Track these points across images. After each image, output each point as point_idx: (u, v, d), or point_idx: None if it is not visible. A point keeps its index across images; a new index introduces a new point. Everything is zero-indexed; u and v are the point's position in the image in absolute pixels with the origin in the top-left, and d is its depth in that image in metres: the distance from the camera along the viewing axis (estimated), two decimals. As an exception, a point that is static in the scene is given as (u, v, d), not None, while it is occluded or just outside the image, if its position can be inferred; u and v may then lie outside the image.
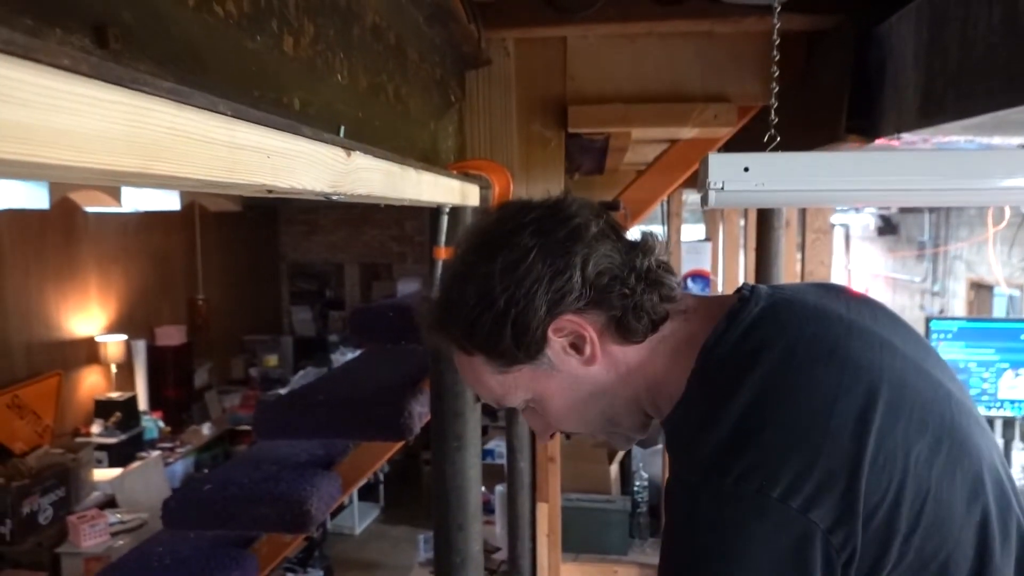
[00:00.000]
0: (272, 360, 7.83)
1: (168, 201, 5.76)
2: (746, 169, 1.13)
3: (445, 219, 1.63)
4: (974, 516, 0.67)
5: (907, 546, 0.64)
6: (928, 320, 3.88)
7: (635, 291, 0.76)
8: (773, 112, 1.37)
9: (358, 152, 0.85)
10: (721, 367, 0.72)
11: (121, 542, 4.52)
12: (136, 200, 5.50)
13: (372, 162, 0.90)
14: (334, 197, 0.82)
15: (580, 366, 0.78)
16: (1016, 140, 1.70)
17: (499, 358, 0.78)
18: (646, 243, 0.80)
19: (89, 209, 5.62)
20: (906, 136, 1.65)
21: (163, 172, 0.47)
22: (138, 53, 0.55)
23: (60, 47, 0.38)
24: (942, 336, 3.77)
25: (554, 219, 0.77)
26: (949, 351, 3.77)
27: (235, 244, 7.87)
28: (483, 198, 1.72)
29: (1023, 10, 1.16)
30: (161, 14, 0.58)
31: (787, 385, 0.68)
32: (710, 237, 6.34)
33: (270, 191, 0.72)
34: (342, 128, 0.89)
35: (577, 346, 0.77)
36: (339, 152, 0.79)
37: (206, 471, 5.76)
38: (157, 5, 0.57)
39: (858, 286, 10.26)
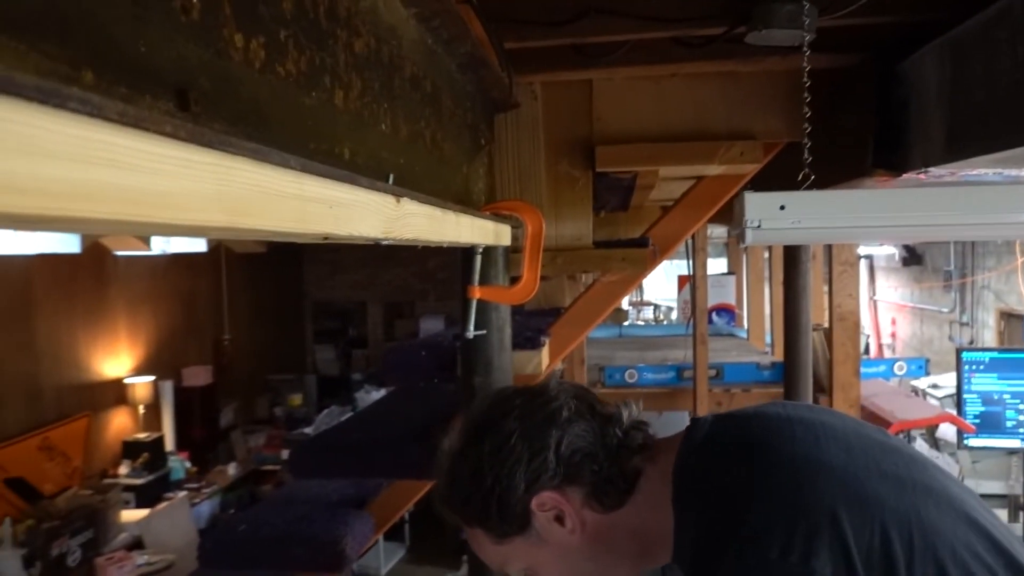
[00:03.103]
0: (296, 399, 7.85)
1: (195, 243, 5.85)
2: (782, 207, 1.15)
3: (478, 259, 1.66)
4: (961, 535, 0.73)
5: (911, 574, 0.70)
6: (959, 351, 3.81)
7: (603, 467, 0.85)
8: (806, 151, 1.39)
9: (406, 199, 0.88)
10: (693, 479, 0.81)
11: (148, 584, 4.52)
12: (164, 242, 5.60)
13: (418, 207, 0.94)
14: (384, 242, 0.85)
15: (567, 537, 0.86)
16: (1045, 172, 1.70)
17: (492, 531, 0.87)
18: (619, 415, 0.89)
19: (119, 252, 5.73)
20: (933, 170, 1.66)
21: (245, 226, 0.50)
22: (214, 114, 0.58)
23: (161, 115, 0.41)
24: (974, 367, 3.71)
25: (535, 404, 0.87)
26: (982, 382, 3.70)
27: (260, 284, 7.96)
28: (515, 237, 1.75)
29: (1049, 46, 1.18)
30: (232, 77, 0.61)
31: (753, 469, 0.78)
32: (733, 270, 6.33)
33: (327, 238, 0.75)
34: (391, 176, 0.92)
35: (561, 519, 0.85)
36: (390, 199, 0.82)
37: (232, 511, 5.76)
38: (229, 69, 0.61)
39: (884, 318, 10.14)
